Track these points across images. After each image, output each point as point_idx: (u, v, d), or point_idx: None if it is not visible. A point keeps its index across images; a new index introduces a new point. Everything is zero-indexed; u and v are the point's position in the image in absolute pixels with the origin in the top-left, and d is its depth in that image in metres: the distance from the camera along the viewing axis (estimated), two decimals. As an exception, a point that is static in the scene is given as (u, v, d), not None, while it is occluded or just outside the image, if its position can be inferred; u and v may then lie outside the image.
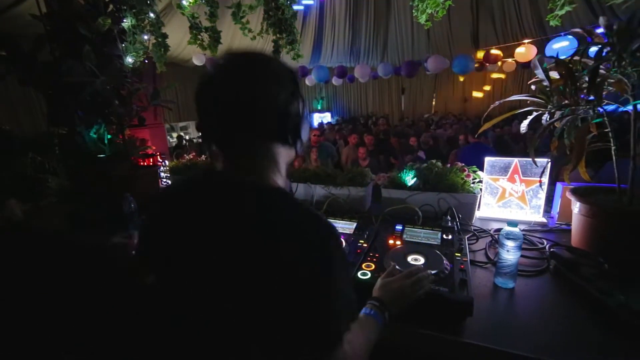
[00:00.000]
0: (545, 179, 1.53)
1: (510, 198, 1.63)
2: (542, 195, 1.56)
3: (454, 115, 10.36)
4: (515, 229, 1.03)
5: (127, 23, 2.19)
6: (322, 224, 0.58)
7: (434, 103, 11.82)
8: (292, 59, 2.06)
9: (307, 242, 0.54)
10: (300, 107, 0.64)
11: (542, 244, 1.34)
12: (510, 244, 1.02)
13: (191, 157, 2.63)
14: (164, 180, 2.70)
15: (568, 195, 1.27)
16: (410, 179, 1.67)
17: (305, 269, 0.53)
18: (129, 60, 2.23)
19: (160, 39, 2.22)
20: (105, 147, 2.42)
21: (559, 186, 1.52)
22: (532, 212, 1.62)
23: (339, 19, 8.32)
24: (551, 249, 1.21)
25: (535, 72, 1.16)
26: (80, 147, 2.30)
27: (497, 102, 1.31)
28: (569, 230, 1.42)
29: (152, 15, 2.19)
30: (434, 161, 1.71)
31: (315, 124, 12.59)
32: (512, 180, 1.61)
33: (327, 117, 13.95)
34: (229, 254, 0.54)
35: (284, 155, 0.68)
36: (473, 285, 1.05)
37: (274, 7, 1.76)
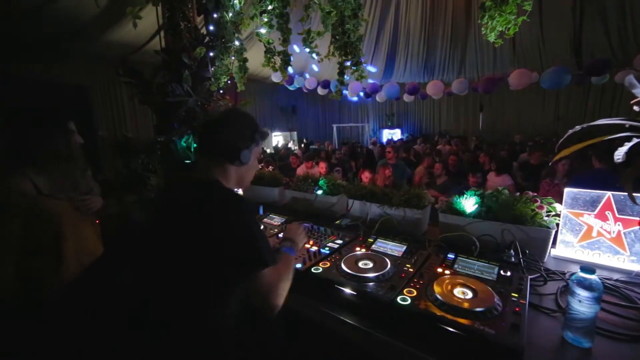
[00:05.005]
0: (652, 220, 1.24)
1: (600, 238, 1.36)
2: (649, 239, 1.27)
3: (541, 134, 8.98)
4: (592, 277, 0.87)
5: (216, 50, 2.58)
6: (241, 202, 0.94)
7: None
8: (355, 80, 2.13)
9: (230, 212, 0.90)
10: (248, 143, 1.02)
11: (643, 301, 1.08)
12: (583, 293, 0.86)
13: (260, 167, 2.90)
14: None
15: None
16: (469, 206, 1.54)
17: (235, 227, 0.88)
18: (216, 81, 2.60)
19: (242, 63, 2.55)
20: (192, 153, 2.84)
21: (671, 231, 1.21)
22: (634, 260, 1.32)
23: (413, 34, 8.18)
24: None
25: (634, 91, 0.98)
26: (173, 153, 2.77)
27: (577, 127, 1.13)
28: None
29: (237, 43, 2.53)
30: (500, 188, 1.55)
31: (384, 140, 12.44)
32: (602, 217, 1.35)
33: (397, 134, 13.65)
34: (188, 226, 0.92)
35: (234, 170, 1.03)
36: (533, 334, 0.92)
37: (340, 32, 1.87)
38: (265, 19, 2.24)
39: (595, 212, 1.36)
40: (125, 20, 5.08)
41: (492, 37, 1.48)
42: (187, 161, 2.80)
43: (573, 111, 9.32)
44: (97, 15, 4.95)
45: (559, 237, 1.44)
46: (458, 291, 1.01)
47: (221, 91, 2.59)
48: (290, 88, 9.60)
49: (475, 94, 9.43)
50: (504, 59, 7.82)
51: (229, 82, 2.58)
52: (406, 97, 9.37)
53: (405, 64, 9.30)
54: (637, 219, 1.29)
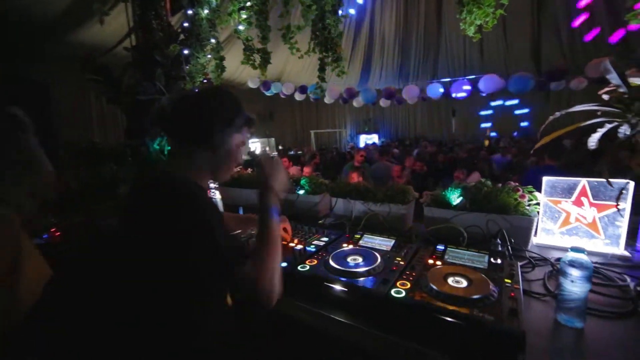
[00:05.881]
0: (626, 205, 1.30)
1: (577, 224, 1.41)
2: (623, 222, 1.32)
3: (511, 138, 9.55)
4: (582, 256, 0.87)
5: (192, 48, 2.48)
6: (190, 199, 0.78)
7: (490, 124, 11.07)
8: (336, 76, 2.13)
9: (175, 210, 0.75)
10: (224, 126, 0.87)
11: (624, 280, 1.11)
12: (575, 272, 0.86)
13: (238, 169, 2.78)
14: (212, 189, 2.88)
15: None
16: (455, 198, 1.55)
17: (181, 226, 0.74)
18: (191, 80, 2.50)
19: (218, 61, 2.47)
20: (165, 157, 2.68)
21: (643, 213, 1.27)
22: (608, 243, 1.37)
23: (388, 40, 8.43)
24: (638, 288, 1.00)
25: (608, 77, 1.02)
26: (145, 157, 2.60)
27: (557, 114, 1.16)
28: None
29: (213, 40, 2.45)
30: (483, 180, 1.57)
31: (362, 145, 12.63)
32: (578, 203, 1.40)
33: (374, 139, 13.90)
34: (140, 224, 0.81)
35: (205, 158, 0.87)
36: (527, 320, 0.90)
37: (321, 28, 1.86)
38: (244, 16, 2.18)
39: (573, 199, 1.41)
40: (94, 20, 4.82)
41: (470, 32, 1.52)
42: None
43: (535, 115, 9.97)
44: (64, 14, 4.65)
45: (540, 225, 1.47)
46: (452, 280, 0.98)
47: (197, 90, 2.49)
48: (267, 94, 9.52)
49: (447, 100, 9.83)
50: (474, 66, 8.25)
51: (204, 81, 2.48)
52: (382, 102, 9.59)
53: (381, 70, 9.55)
54: (610, 203, 1.35)
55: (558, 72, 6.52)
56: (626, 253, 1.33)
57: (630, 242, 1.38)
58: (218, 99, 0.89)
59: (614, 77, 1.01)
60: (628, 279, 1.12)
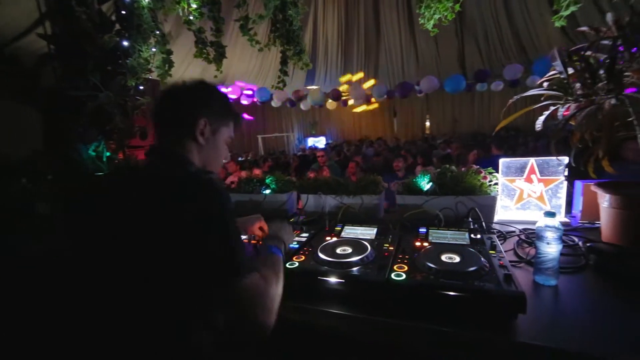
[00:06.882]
0: (564, 178, 1.51)
1: (529, 199, 1.59)
2: (563, 193, 1.53)
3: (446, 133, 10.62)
4: (554, 220, 0.98)
5: (132, 41, 2.21)
6: (211, 188, 0.73)
7: (428, 124, 12.15)
8: (300, 69, 2.08)
9: (197, 202, 0.71)
10: (214, 118, 0.90)
11: (574, 241, 1.29)
12: (550, 235, 0.96)
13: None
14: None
15: (594, 189, 1.24)
16: (425, 184, 1.63)
17: (199, 220, 0.69)
18: (133, 76, 2.22)
19: (165, 55, 2.24)
20: (104, 165, 2.33)
21: (578, 184, 1.49)
22: (553, 213, 1.57)
23: (331, 44, 8.68)
24: (587, 244, 1.16)
25: (554, 64, 1.17)
26: (77, 165, 2.21)
27: (515, 97, 1.31)
28: (595, 228, 1.39)
29: (157, 32, 2.22)
30: (447, 165, 1.68)
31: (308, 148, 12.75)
32: (529, 180, 1.58)
33: (321, 141, 14.13)
34: (145, 217, 0.73)
35: (195, 149, 0.88)
36: (512, 284, 0.98)
37: (281, 19, 1.80)
38: (195, 5, 2.01)
39: (524, 177, 1.59)
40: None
41: (429, 25, 1.63)
42: (98, 173, 2.29)
43: (465, 114, 11.26)
44: None
45: (499, 203, 1.63)
46: (446, 257, 1.02)
47: (141, 87, 2.21)
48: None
49: (389, 102, 10.50)
50: (410, 70, 8.97)
51: (150, 77, 2.22)
52: (329, 104, 9.81)
53: (326, 73, 9.79)
54: (552, 177, 1.55)
55: (483, 74, 7.50)
56: (566, 219, 1.55)
57: (567, 210, 1.61)
58: (207, 90, 0.92)
59: (558, 64, 1.17)
60: (576, 239, 1.30)
